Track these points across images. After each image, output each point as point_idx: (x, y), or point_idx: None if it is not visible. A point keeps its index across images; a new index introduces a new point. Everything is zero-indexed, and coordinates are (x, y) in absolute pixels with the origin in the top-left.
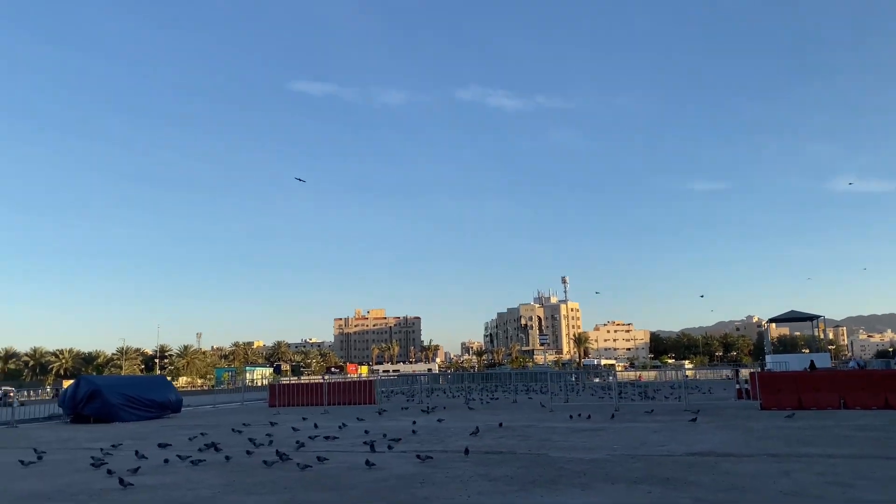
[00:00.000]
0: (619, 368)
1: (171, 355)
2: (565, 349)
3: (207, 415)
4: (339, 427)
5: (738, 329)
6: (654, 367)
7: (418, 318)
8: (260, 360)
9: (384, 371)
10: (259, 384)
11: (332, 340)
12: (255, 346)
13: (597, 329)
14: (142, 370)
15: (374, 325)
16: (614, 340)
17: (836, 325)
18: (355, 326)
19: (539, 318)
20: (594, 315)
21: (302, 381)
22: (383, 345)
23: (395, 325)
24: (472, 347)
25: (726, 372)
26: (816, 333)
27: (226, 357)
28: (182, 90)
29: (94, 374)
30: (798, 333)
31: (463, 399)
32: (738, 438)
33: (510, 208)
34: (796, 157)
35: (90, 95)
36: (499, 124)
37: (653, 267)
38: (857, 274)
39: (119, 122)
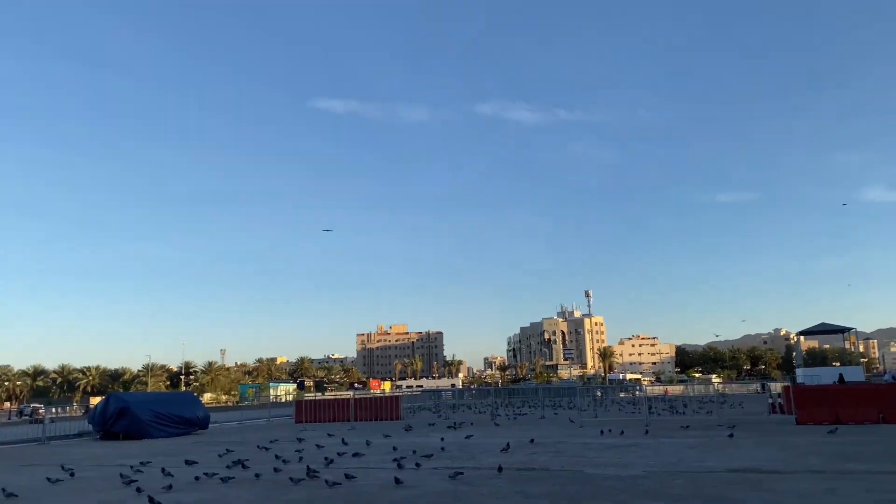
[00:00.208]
0: (646, 383)
1: (195, 372)
2: (589, 364)
3: (234, 431)
4: (367, 444)
5: (765, 342)
6: (681, 382)
7: (440, 333)
8: (283, 376)
9: (407, 386)
10: (283, 400)
11: (355, 356)
12: (278, 362)
13: (621, 343)
14: (167, 386)
15: (396, 341)
16: (639, 355)
17: (867, 337)
18: (377, 342)
19: (562, 333)
20: (618, 329)
21: (328, 398)
22: (406, 360)
23: (417, 340)
24: (494, 362)
25: (754, 386)
26: (847, 346)
27: (249, 373)
28: (207, 109)
29: (121, 390)
30: (827, 346)
31: (489, 415)
32: (778, 454)
33: (532, 222)
34: (824, 166)
35: (115, 116)
36: (520, 137)
37: (677, 280)
38: (888, 285)
39: (141, 141)
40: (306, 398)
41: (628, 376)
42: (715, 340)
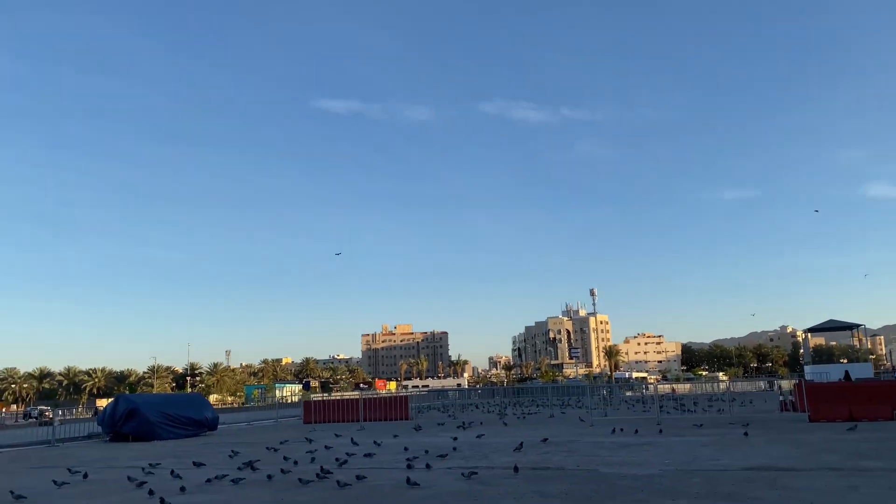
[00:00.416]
0: (651, 381)
1: (200, 373)
2: (595, 362)
3: (243, 432)
4: (378, 444)
5: (771, 340)
6: (688, 380)
7: (445, 333)
8: (289, 377)
9: (413, 386)
10: (289, 401)
11: (360, 356)
12: (283, 363)
13: (627, 342)
14: (173, 388)
15: (401, 341)
16: (645, 353)
17: (873, 334)
18: (383, 342)
19: (568, 332)
20: (624, 327)
21: (336, 398)
22: (412, 360)
23: (422, 340)
24: (499, 362)
25: (762, 384)
26: (854, 342)
27: (255, 374)
28: (209, 111)
29: (127, 392)
30: (834, 343)
31: (497, 414)
32: (793, 452)
33: (536, 221)
34: (828, 162)
35: (121, 118)
36: (524, 137)
37: (682, 278)
38: (893, 281)
39: (144, 143)
40: (313, 399)
41: (634, 375)
42: (721, 338)
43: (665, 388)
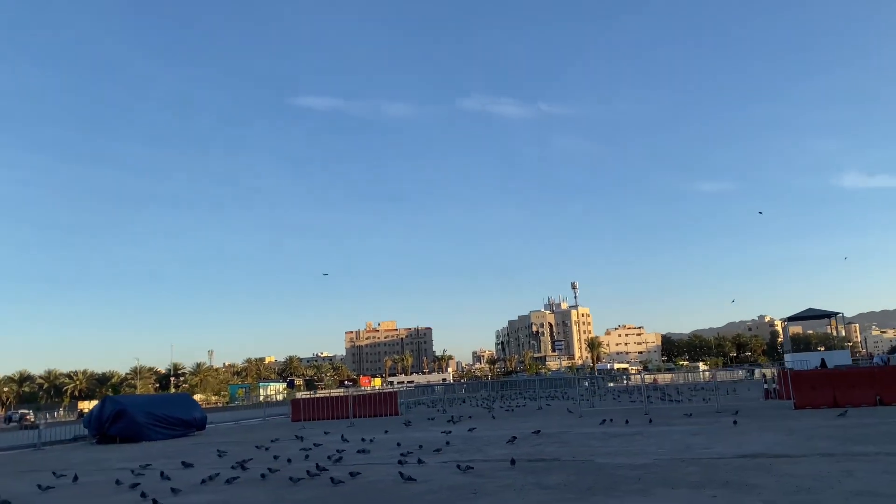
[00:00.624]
0: (633, 372)
1: (184, 373)
2: (577, 354)
3: (232, 432)
4: (370, 440)
5: (749, 329)
6: (669, 370)
7: (429, 329)
8: (272, 376)
9: (398, 382)
10: (274, 399)
11: (344, 354)
12: (266, 362)
13: (608, 333)
14: (156, 389)
15: (385, 338)
16: (626, 344)
17: (849, 321)
18: (366, 339)
19: (550, 325)
20: (605, 319)
21: (324, 395)
22: (396, 356)
23: (406, 336)
24: (483, 356)
25: (741, 372)
26: (830, 331)
27: (238, 374)
28: (187, 109)
29: (109, 393)
30: (811, 332)
31: (485, 407)
32: (785, 439)
33: (516, 215)
34: (802, 153)
35: (94, 119)
36: (503, 132)
37: (661, 269)
38: (867, 270)
39: (124, 143)
40: (299, 397)
41: (616, 366)
42: (700, 328)
43: (647, 378)
